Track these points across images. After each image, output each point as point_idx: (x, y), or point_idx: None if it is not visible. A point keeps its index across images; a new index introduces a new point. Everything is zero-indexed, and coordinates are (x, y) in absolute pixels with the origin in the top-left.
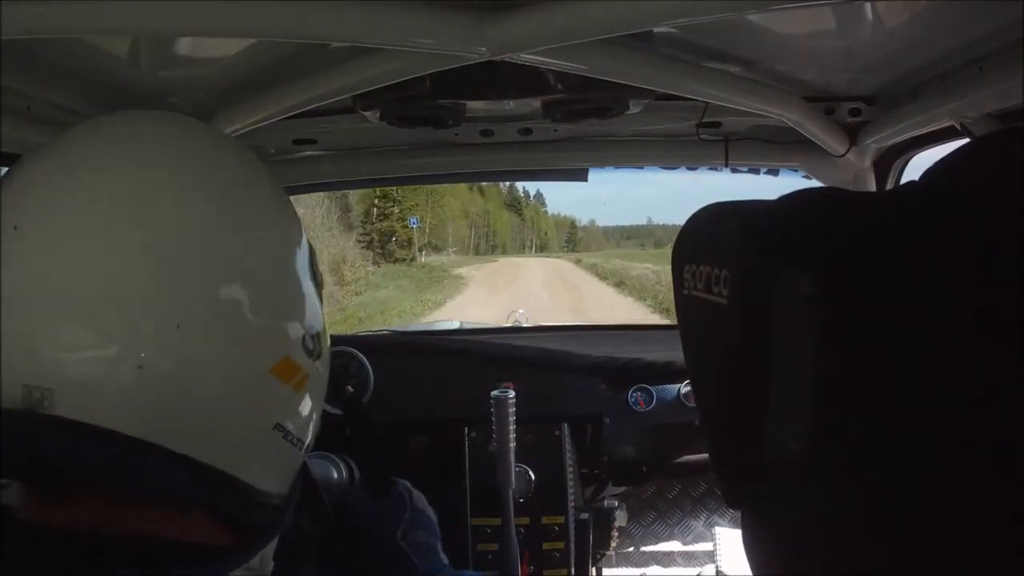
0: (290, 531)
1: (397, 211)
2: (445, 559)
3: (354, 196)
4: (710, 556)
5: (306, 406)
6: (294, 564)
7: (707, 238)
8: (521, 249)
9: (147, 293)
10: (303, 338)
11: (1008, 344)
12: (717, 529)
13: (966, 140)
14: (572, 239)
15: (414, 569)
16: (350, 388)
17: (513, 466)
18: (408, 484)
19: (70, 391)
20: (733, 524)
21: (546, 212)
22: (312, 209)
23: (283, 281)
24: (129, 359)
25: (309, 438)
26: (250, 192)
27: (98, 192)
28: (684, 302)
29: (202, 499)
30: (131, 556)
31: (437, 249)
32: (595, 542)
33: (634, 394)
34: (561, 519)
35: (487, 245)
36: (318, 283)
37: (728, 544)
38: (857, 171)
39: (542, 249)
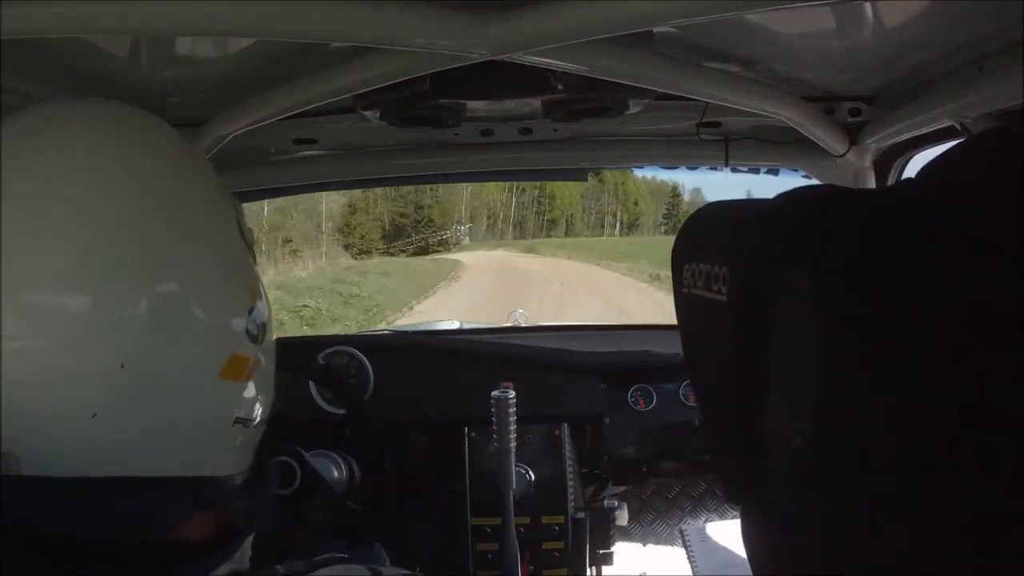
0: (268, 520)
1: None
2: None
3: None
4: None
5: (258, 388)
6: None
7: (707, 236)
8: (599, 228)
9: (85, 331)
10: (246, 328)
11: (1008, 340)
12: (684, 528)
13: None
14: (673, 213)
15: None
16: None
17: (513, 466)
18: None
19: (32, 451)
20: (723, 517)
21: (633, 173)
22: None
23: (222, 279)
24: (81, 411)
25: (265, 413)
26: (188, 185)
27: (33, 188)
28: (683, 301)
29: (187, 509)
30: (125, 559)
31: (437, 229)
32: (595, 542)
33: (634, 394)
34: (561, 519)
35: (539, 222)
36: (250, 247)
37: (699, 544)
38: (857, 171)
39: (631, 228)
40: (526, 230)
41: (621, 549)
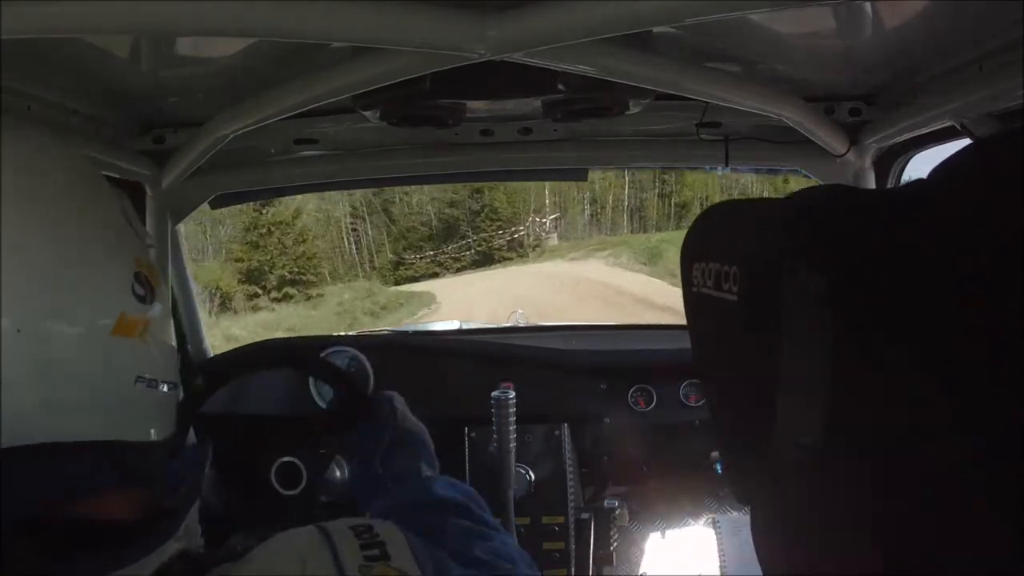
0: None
1: None
2: (430, 472)
3: None
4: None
5: (157, 349)
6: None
7: (717, 236)
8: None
9: None
10: (131, 288)
11: (1015, 340)
12: (718, 519)
13: (966, 140)
14: None
15: (388, 494)
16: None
17: (513, 466)
18: (395, 397)
19: None
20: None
21: None
22: None
23: (105, 249)
24: None
25: (172, 377)
26: (68, 179)
27: None
28: (693, 300)
29: (109, 477)
30: (58, 541)
31: (505, 223)
32: (595, 542)
33: (634, 394)
34: (561, 519)
35: (663, 208)
36: (133, 226)
37: (731, 537)
38: (857, 171)
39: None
40: (647, 220)
41: (621, 549)
